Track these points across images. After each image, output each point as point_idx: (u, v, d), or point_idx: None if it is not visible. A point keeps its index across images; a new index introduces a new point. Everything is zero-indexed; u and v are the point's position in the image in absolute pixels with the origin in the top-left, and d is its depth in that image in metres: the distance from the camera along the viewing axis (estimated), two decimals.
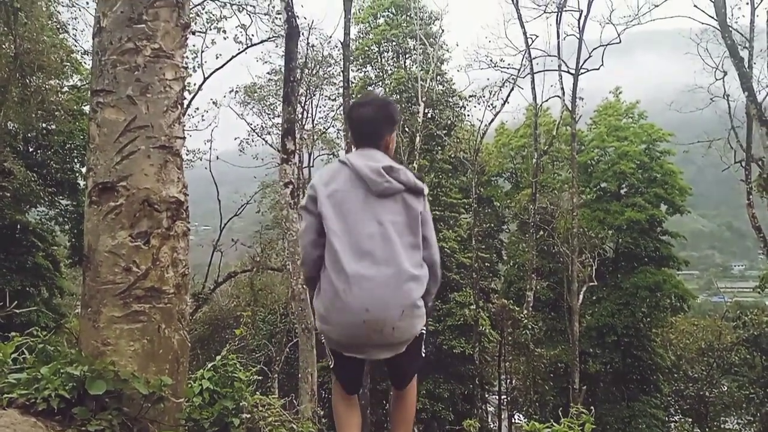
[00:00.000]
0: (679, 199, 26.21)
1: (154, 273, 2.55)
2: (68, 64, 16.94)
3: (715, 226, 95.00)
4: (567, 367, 21.84)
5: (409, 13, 23.75)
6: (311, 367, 9.63)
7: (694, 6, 17.56)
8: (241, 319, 18.45)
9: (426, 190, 2.72)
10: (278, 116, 21.45)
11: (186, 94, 2.95)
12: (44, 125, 17.58)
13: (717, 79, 18.86)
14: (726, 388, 23.39)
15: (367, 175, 2.63)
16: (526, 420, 21.82)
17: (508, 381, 24.10)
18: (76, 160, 19.27)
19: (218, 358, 5.32)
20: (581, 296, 20.91)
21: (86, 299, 2.57)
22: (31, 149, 18.99)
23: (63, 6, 16.23)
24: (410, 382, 2.92)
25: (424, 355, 2.85)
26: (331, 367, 2.84)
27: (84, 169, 19.05)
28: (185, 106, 2.57)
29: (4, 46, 14.46)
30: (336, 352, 2.72)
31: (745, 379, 21.63)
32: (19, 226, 17.61)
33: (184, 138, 2.61)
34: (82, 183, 19.00)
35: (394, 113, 2.90)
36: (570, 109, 21.55)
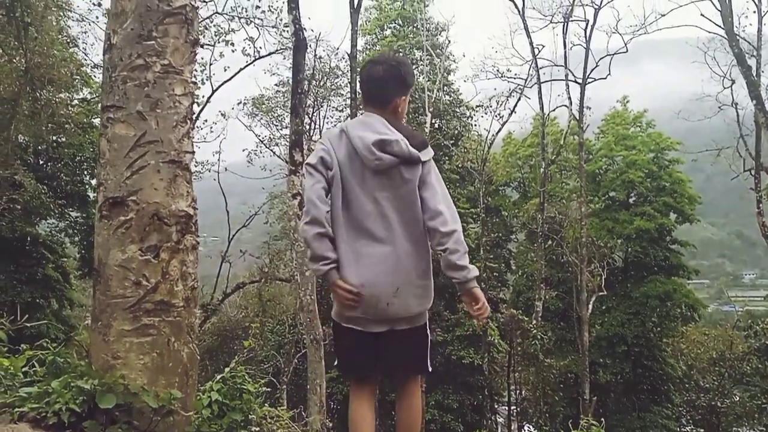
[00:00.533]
0: (689, 208, 26.08)
1: (164, 286, 2.57)
2: (78, 77, 17.11)
3: (725, 235, 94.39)
4: (577, 378, 21.69)
5: (415, 25, 23.85)
6: (320, 379, 9.62)
7: (701, 15, 17.58)
8: (249, 330, 18.47)
9: (426, 156, 2.62)
10: (286, 127, 21.52)
11: (195, 106, 2.98)
12: (54, 138, 17.74)
13: (725, 88, 18.81)
14: (738, 398, 23.16)
15: (361, 151, 2.56)
16: (536, 431, 21.69)
17: (518, 392, 23.94)
18: (86, 173, 19.41)
19: (227, 370, 5.33)
20: (591, 306, 20.81)
21: (96, 313, 2.59)
22: (41, 162, 19.15)
23: (73, 20, 16.44)
24: (410, 378, 2.81)
25: (430, 369, 2.78)
26: (333, 347, 2.78)
27: (94, 182, 19.21)
28: (194, 118, 2.60)
29: (15, 60, 14.64)
30: (336, 325, 2.71)
31: (757, 389, 21.43)
32: (29, 238, 17.73)
33: (193, 152, 2.64)
34: (92, 195, 19.13)
35: (408, 75, 2.80)
36: (577, 118, 21.55)
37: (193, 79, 2.64)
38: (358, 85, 3.24)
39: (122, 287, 2.52)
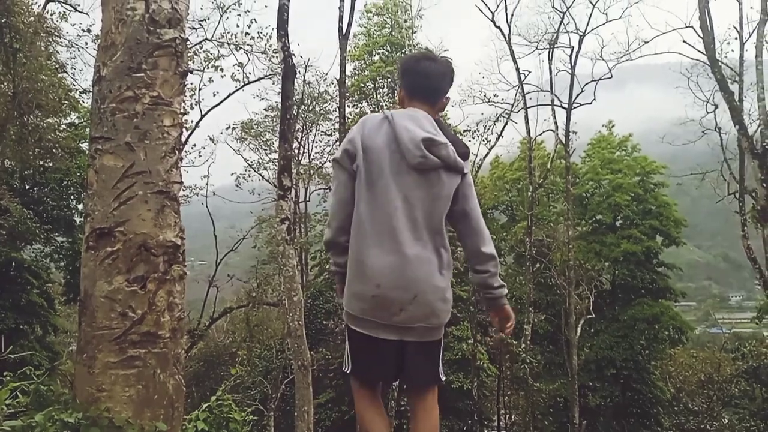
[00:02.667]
0: (675, 231, 26.30)
1: (150, 317, 2.56)
2: (66, 102, 17.09)
3: (711, 257, 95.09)
4: (566, 402, 21.62)
5: (403, 50, 24.10)
6: (308, 405, 9.52)
7: (684, 41, 17.93)
8: (236, 357, 18.29)
9: (467, 168, 2.56)
10: (275, 151, 21.59)
11: (183, 131, 2.99)
12: (41, 163, 17.63)
13: (708, 113, 19.11)
14: (727, 420, 23.14)
15: (405, 144, 2.44)
16: None
17: (507, 416, 23.84)
18: (72, 197, 19.30)
19: (213, 398, 5.28)
20: (579, 329, 20.82)
21: (82, 345, 2.57)
22: (27, 187, 19.03)
23: (62, 46, 16.45)
24: (427, 392, 2.65)
25: (443, 378, 2.70)
26: (351, 353, 2.62)
27: (80, 206, 19.11)
28: (183, 144, 2.62)
29: (2, 86, 14.61)
30: (349, 329, 2.61)
31: (745, 411, 21.43)
32: (14, 264, 17.54)
33: (181, 183, 2.65)
34: (78, 220, 19.01)
35: (454, 74, 2.77)
36: (564, 142, 21.77)
37: (182, 110, 2.65)
38: (403, 77, 2.82)
39: (108, 319, 2.50)
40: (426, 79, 2.69)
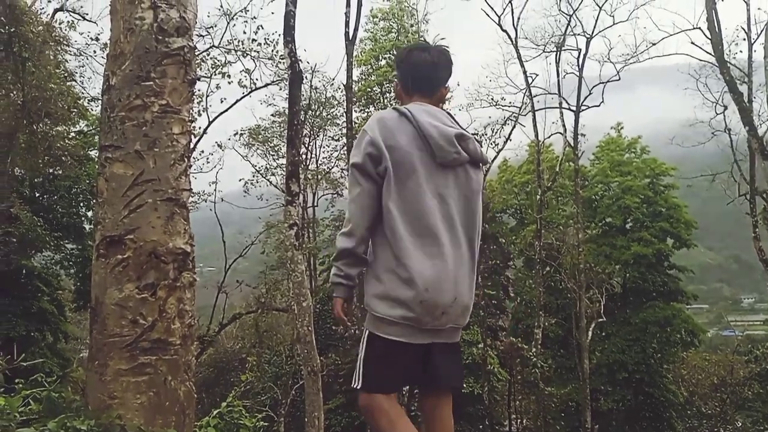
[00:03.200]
0: (685, 233, 26.13)
1: (161, 324, 2.56)
2: (75, 110, 17.21)
3: (723, 259, 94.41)
4: (578, 406, 21.48)
5: None
6: (318, 411, 9.51)
7: (692, 43, 17.86)
8: (246, 363, 18.30)
9: (488, 163, 2.57)
10: (282, 157, 21.65)
11: (192, 139, 3.00)
12: (51, 171, 17.78)
13: (717, 114, 19.01)
14: (740, 424, 22.97)
15: (436, 141, 2.37)
16: None
17: (519, 421, 23.68)
18: (82, 205, 19.42)
19: (224, 404, 5.28)
20: (590, 333, 20.71)
21: (93, 352, 2.58)
22: (37, 194, 19.16)
23: (71, 55, 16.58)
24: (447, 398, 2.58)
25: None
26: (370, 364, 2.41)
27: (90, 213, 19.22)
28: (191, 151, 2.63)
29: (12, 95, 14.73)
30: (377, 338, 2.41)
31: (759, 414, 21.26)
32: (24, 271, 17.65)
33: (190, 190, 2.65)
34: (87, 227, 19.11)
35: (452, 61, 2.69)
36: (572, 145, 21.71)
37: (191, 118, 2.66)
38: (399, 70, 2.73)
39: (119, 326, 2.51)
40: (423, 71, 2.62)
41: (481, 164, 2.52)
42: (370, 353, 2.42)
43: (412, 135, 2.38)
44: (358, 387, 2.43)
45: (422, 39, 25.09)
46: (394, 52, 25.73)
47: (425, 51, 2.65)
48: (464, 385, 21.23)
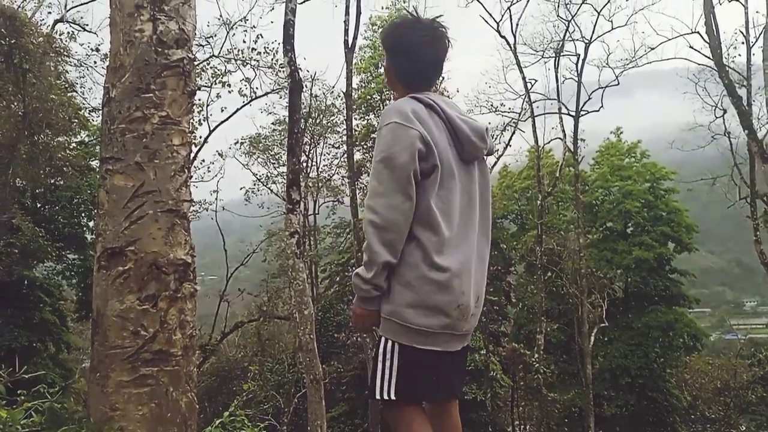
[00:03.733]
0: (686, 237, 26.13)
1: (162, 336, 2.56)
2: (76, 121, 17.27)
3: (725, 263, 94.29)
4: (581, 411, 21.44)
5: None
6: (320, 419, 9.49)
7: (690, 47, 17.90)
8: (248, 373, 18.27)
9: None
10: (283, 165, 21.69)
11: (192, 148, 3.01)
12: (52, 181, 17.82)
13: (717, 117, 19.03)
14: (744, 428, 22.91)
15: (468, 137, 2.22)
16: None
17: (522, 427, 23.61)
18: (83, 215, 19.46)
19: (226, 414, 5.27)
20: (593, 338, 20.68)
21: (95, 364, 2.58)
22: (38, 205, 19.19)
23: (71, 66, 16.64)
24: (455, 404, 2.48)
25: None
26: (406, 375, 2.21)
27: (91, 224, 19.25)
28: (192, 161, 2.64)
29: (13, 106, 14.79)
30: (410, 350, 2.21)
31: (763, 418, 21.22)
32: (26, 282, 17.66)
33: (191, 201, 2.66)
34: (89, 237, 19.14)
35: (450, 41, 2.42)
36: (572, 150, 21.73)
37: (191, 129, 2.67)
38: (400, 57, 2.33)
39: (120, 338, 2.51)
40: (427, 58, 2.35)
41: (490, 155, 2.40)
42: (406, 365, 2.22)
43: (443, 129, 2.21)
44: (391, 398, 2.22)
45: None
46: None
47: (423, 31, 2.34)
48: (467, 392, 21.19)
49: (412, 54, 2.33)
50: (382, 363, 2.23)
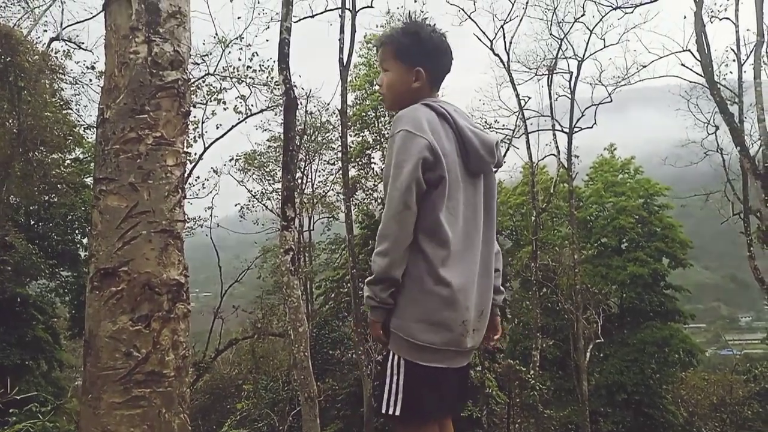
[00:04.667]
0: (681, 253, 26.22)
1: (155, 356, 2.55)
2: (71, 138, 17.28)
3: (719, 278, 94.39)
4: (578, 428, 21.33)
5: None
6: None
7: (682, 65, 18.07)
8: (242, 392, 18.14)
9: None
10: (278, 181, 21.70)
11: (187, 164, 3.02)
12: (46, 198, 17.79)
13: (709, 134, 19.18)
14: None
15: (477, 150, 2.19)
16: None
17: None
18: (77, 232, 19.43)
19: None
20: (588, 354, 20.63)
21: (87, 385, 2.56)
22: (32, 222, 19.15)
23: (66, 83, 16.68)
24: (450, 421, 2.43)
25: None
26: (412, 392, 2.17)
27: (85, 240, 19.19)
28: (186, 178, 2.64)
29: (8, 123, 14.80)
30: (415, 366, 2.18)
31: None
32: (19, 299, 17.56)
33: (184, 221, 2.66)
34: (83, 254, 19.07)
35: None
36: (566, 166, 21.83)
37: (185, 150, 2.68)
38: (429, 57, 2.31)
39: (113, 359, 2.49)
40: (446, 60, 2.37)
41: (497, 168, 2.36)
42: (411, 381, 2.18)
43: (453, 140, 2.18)
44: (396, 415, 2.18)
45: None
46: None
47: (439, 33, 2.37)
48: (462, 409, 21.05)
49: (437, 56, 2.35)
50: (389, 378, 2.20)
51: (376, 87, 2.64)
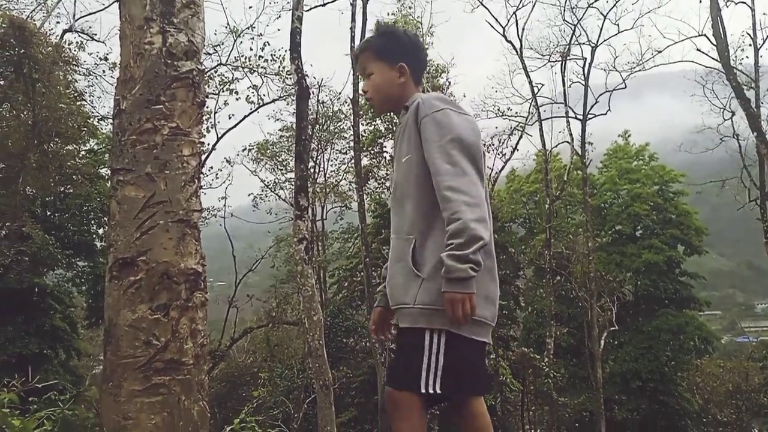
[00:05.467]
0: (696, 240, 26.01)
1: (174, 345, 2.58)
2: (85, 129, 17.39)
3: (735, 265, 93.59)
4: (592, 416, 21.34)
5: None
6: (330, 425, 9.49)
7: (697, 50, 17.85)
8: (258, 379, 18.29)
9: None
10: (291, 171, 21.73)
11: (201, 157, 3.03)
12: (62, 189, 17.94)
13: (725, 120, 18.96)
14: (757, 431, 22.71)
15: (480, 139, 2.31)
16: None
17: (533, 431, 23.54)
18: (92, 222, 19.58)
19: (236, 421, 5.29)
20: (603, 341, 20.57)
21: (107, 373, 2.59)
22: (48, 213, 19.32)
23: (80, 75, 16.76)
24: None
25: None
26: (442, 368, 2.12)
27: (101, 231, 19.36)
28: (200, 169, 2.65)
29: (23, 115, 14.92)
30: (462, 341, 2.14)
31: None
32: (36, 289, 17.76)
33: (201, 210, 2.68)
34: (99, 244, 19.24)
35: None
36: (580, 154, 21.68)
37: (201, 140, 2.70)
38: (412, 55, 2.42)
39: (132, 347, 2.52)
40: (425, 55, 2.52)
41: None
42: (456, 357, 2.13)
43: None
44: (437, 392, 2.12)
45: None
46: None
47: (411, 32, 2.57)
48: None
49: (422, 57, 2.46)
50: (428, 356, 2.12)
51: (363, 95, 2.68)
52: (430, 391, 2.11)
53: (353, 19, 15.82)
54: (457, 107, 2.21)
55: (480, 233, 2.02)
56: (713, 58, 16.60)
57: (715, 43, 14.76)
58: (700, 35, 17.27)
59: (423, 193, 2.19)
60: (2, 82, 14.63)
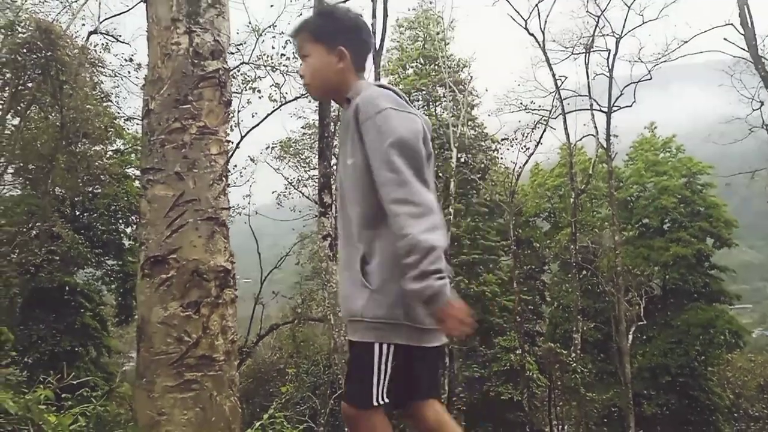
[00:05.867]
0: (725, 232, 25.56)
1: (205, 341, 2.62)
2: (112, 129, 17.63)
3: (765, 258, 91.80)
4: (621, 411, 21.12)
5: (437, 63, 24.16)
6: None
7: (725, 39, 17.48)
8: (285, 375, 18.42)
9: None
10: (314, 168, 21.79)
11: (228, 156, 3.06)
12: (90, 189, 18.23)
13: (754, 110, 18.54)
14: None
15: (427, 134, 2.16)
16: None
17: (560, 427, 23.36)
18: (121, 222, 19.87)
19: (265, 416, 5.33)
20: (631, 336, 20.34)
21: (141, 369, 2.64)
22: (77, 213, 19.66)
23: (106, 76, 16.97)
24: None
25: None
26: (385, 378, 2.07)
27: (129, 230, 19.64)
28: (228, 169, 2.68)
29: (51, 117, 15.17)
30: (407, 350, 2.08)
31: None
32: (67, 288, 18.11)
33: (229, 208, 2.72)
34: (127, 243, 19.52)
35: None
36: (605, 146, 21.42)
37: (228, 138, 2.73)
38: (349, 36, 2.17)
39: (165, 344, 2.57)
40: (370, 43, 2.31)
41: None
42: (398, 366, 2.09)
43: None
44: (383, 402, 2.08)
45: (447, 46, 25.06)
46: (421, 61, 25.77)
47: (355, 12, 2.28)
48: (503, 392, 21.03)
49: (363, 40, 2.24)
50: (377, 369, 2.05)
51: (300, 77, 2.50)
52: (381, 402, 2.06)
53: (374, 15, 15.78)
54: (397, 104, 2.06)
55: (430, 242, 1.90)
56: (741, 48, 16.24)
57: (742, 32, 14.48)
58: (727, 24, 16.91)
59: (367, 201, 2.07)
60: (30, 85, 14.89)
